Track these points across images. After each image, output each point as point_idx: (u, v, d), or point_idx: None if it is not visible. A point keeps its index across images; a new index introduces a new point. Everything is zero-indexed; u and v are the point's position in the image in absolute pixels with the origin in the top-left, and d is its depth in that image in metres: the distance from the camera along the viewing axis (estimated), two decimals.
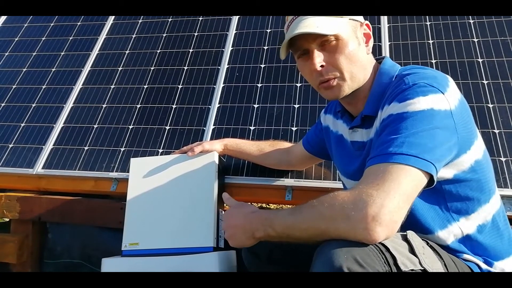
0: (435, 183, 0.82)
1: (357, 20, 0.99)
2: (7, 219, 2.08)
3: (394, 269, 0.75)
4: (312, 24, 0.93)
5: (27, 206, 1.70)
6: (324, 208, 0.79)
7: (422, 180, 0.80)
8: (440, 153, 0.82)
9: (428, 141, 0.81)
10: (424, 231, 0.92)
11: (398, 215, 0.76)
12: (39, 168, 1.76)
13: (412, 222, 0.89)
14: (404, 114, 0.84)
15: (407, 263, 0.76)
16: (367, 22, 1.02)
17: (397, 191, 0.76)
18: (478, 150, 0.92)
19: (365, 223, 0.74)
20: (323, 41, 0.95)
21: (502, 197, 1.31)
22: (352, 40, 0.96)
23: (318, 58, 0.95)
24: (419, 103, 0.84)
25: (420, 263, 0.78)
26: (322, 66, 0.96)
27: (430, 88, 0.85)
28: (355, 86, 0.98)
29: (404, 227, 0.82)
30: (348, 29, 0.96)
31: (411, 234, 0.83)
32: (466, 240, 0.93)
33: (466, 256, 0.93)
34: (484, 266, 0.92)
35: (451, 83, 0.90)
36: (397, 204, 0.75)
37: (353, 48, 0.96)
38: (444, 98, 0.85)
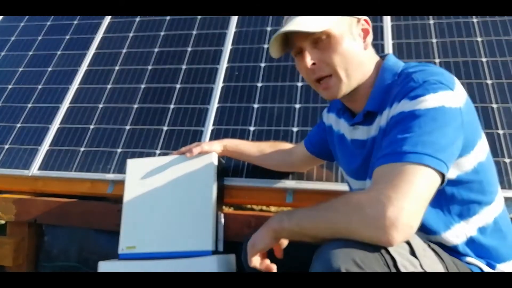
0: (445, 183, 0.82)
1: (354, 16, 0.98)
2: (3, 221, 2.06)
3: (394, 271, 0.74)
4: (298, 22, 0.93)
5: (23, 208, 1.68)
6: (340, 204, 0.81)
7: (436, 180, 0.79)
8: (451, 152, 0.82)
9: (441, 139, 0.80)
10: (427, 233, 0.92)
11: (416, 220, 0.75)
12: (35, 169, 1.74)
13: None
14: (416, 111, 0.83)
15: (407, 265, 0.76)
16: (365, 17, 1.00)
17: (415, 194, 0.75)
18: (481, 151, 0.91)
19: (382, 224, 0.73)
20: (315, 39, 0.94)
21: (506, 199, 1.30)
22: (347, 36, 0.95)
23: (309, 56, 0.95)
24: (430, 101, 0.83)
25: (420, 265, 0.77)
26: (314, 63, 0.96)
27: (440, 85, 0.85)
28: (354, 84, 0.97)
29: None
30: (341, 26, 0.95)
31: (412, 236, 0.81)
32: (469, 242, 0.93)
33: (468, 258, 0.92)
34: (486, 269, 0.91)
35: (457, 81, 0.90)
36: (416, 208, 0.75)
37: (347, 45, 0.94)
38: (454, 95, 0.85)
